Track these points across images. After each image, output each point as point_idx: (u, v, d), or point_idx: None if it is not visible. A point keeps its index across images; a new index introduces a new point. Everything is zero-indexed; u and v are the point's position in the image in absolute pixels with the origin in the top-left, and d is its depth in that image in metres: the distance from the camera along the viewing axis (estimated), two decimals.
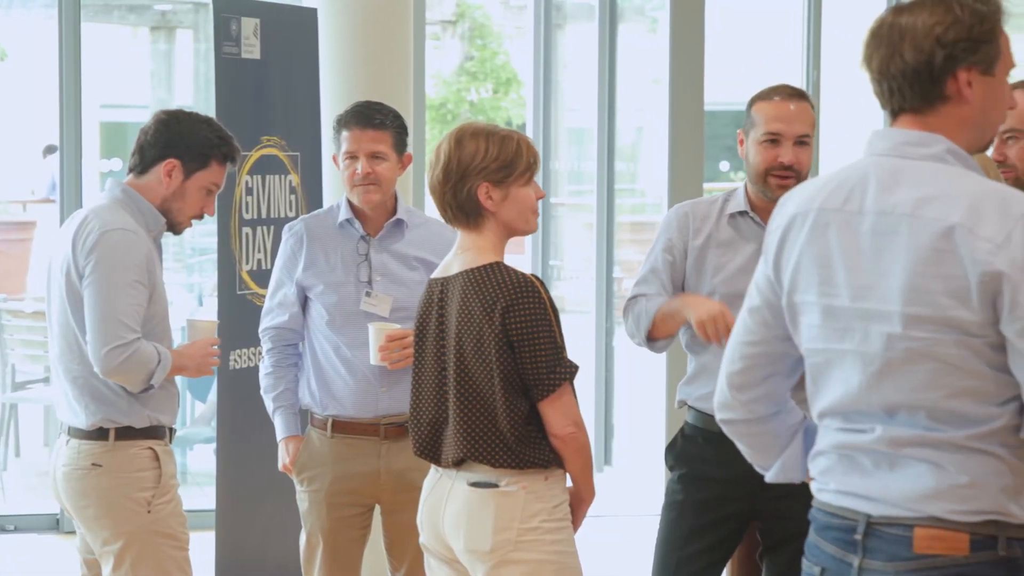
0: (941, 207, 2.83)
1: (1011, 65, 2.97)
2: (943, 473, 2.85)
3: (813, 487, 3.07)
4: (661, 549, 4.61)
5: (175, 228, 4.62)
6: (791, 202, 3.07)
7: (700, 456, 4.58)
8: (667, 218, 4.67)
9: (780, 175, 4.46)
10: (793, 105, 4.49)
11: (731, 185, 4.74)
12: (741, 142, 4.56)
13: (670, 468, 4.66)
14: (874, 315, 2.89)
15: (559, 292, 11.64)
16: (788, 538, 4.48)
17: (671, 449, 4.67)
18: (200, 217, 4.64)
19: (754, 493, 4.43)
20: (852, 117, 11.92)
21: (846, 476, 2.97)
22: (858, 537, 2.93)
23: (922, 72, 2.91)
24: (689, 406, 4.65)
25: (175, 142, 4.55)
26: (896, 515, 2.89)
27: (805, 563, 3.08)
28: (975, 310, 2.79)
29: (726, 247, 4.56)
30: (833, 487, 3.00)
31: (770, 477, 3.22)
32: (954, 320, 2.81)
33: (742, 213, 4.56)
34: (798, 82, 10.13)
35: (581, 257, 11.11)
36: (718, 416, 3.23)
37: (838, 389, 2.97)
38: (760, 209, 4.54)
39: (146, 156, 4.57)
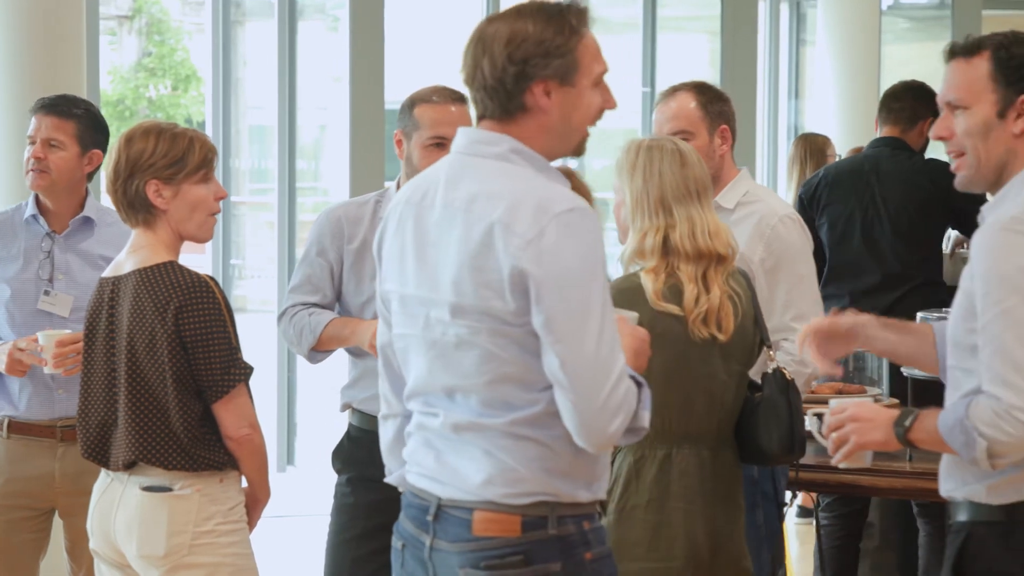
0: (488, 204, 2.98)
1: (599, 72, 3.08)
2: (493, 459, 3.03)
3: (405, 469, 3.22)
4: (334, 552, 4.60)
5: None
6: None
7: (368, 459, 4.48)
8: (319, 223, 4.61)
9: None
10: (455, 108, 4.49)
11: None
12: (399, 143, 4.54)
13: (338, 471, 4.65)
14: (431, 303, 3.06)
15: (241, 291, 11.55)
16: None
17: (338, 453, 4.66)
18: None
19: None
20: None
21: (424, 459, 3.14)
22: (430, 518, 3.11)
23: (498, 88, 3.04)
24: (354, 409, 4.64)
25: None
26: (460, 498, 3.07)
27: (393, 538, 3.22)
28: (508, 301, 2.96)
29: None
30: (415, 469, 3.16)
31: (394, 479, 3.30)
32: (492, 310, 2.97)
33: None
34: None
35: (263, 256, 11.05)
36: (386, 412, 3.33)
37: (413, 372, 3.14)
38: None
39: None
